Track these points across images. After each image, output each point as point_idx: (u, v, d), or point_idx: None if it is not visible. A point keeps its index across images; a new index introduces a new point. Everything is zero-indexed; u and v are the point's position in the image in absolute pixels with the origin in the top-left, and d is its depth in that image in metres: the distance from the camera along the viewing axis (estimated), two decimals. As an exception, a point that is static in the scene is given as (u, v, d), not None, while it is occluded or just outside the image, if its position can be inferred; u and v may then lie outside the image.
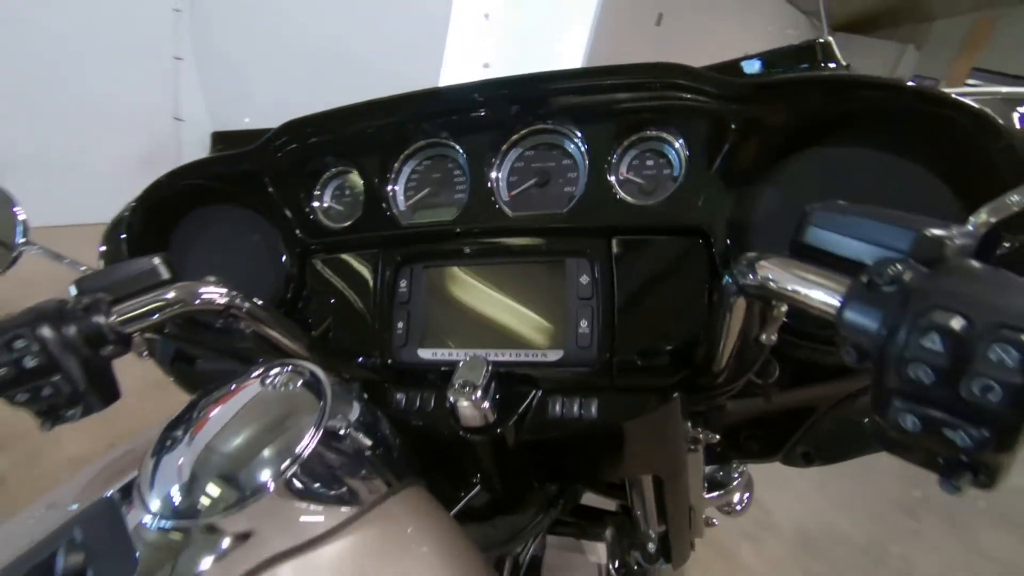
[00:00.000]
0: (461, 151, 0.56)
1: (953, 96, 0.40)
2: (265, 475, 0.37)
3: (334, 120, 0.58)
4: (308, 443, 0.39)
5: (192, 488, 0.37)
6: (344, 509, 0.41)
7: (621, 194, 0.50)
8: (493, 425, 0.49)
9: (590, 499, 0.78)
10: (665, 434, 0.51)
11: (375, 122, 0.57)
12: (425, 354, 0.55)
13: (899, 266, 0.27)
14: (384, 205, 0.57)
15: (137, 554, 0.36)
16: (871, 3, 5.48)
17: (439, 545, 0.45)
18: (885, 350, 0.26)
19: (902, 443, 0.27)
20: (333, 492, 0.41)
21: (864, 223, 0.30)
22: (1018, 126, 0.40)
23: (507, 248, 0.54)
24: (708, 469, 0.71)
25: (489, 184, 0.54)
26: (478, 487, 0.61)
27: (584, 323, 0.50)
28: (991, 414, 0.23)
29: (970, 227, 0.31)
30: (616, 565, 0.87)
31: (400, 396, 0.56)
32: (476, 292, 0.56)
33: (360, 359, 0.57)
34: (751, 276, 0.35)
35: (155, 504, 0.37)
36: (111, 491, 0.42)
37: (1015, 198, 0.32)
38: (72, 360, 0.44)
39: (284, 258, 0.61)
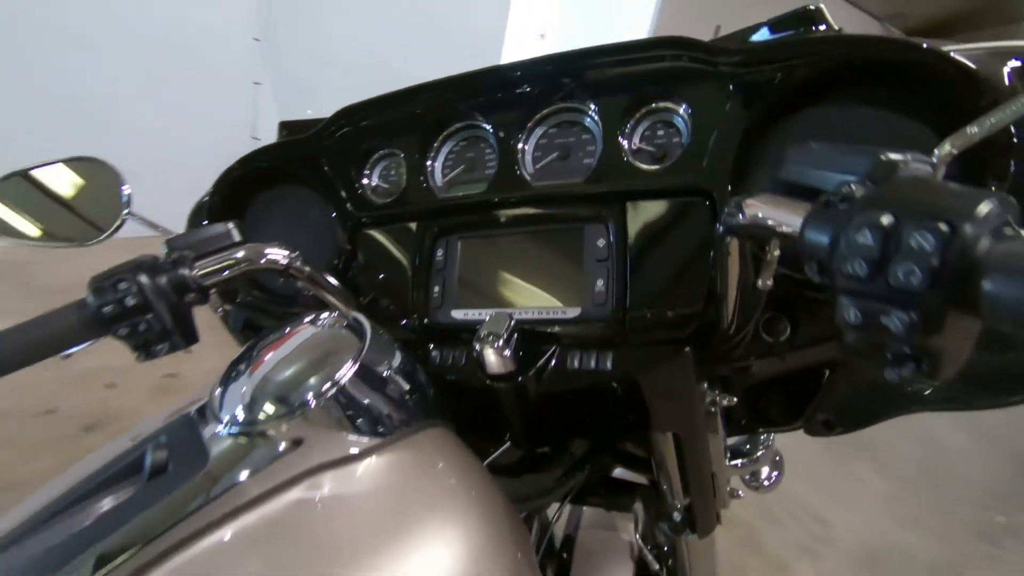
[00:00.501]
0: (491, 130, 0.62)
1: (940, 51, 0.42)
2: (309, 395, 0.44)
3: (381, 105, 0.66)
4: (346, 372, 0.45)
5: (252, 404, 0.44)
6: (378, 434, 0.47)
7: (633, 162, 0.55)
8: (515, 373, 0.53)
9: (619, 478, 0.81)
10: (679, 389, 0.54)
11: (416, 106, 0.65)
12: (458, 315, 0.61)
13: (853, 186, 0.30)
14: (423, 180, 0.64)
15: (209, 453, 0.44)
16: (949, 7, 5.21)
17: (468, 482, 0.50)
18: (833, 256, 0.29)
19: (856, 344, 0.29)
20: (368, 418, 0.47)
21: (831, 155, 0.33)
22: (1007, 81, 0.41)
23: (531, 217, 0.59)
24: (733, 441, 0.72)
25: (516, 157, 0.60)
26: (508, 444, 0.65)
27: (600, 282, 0.55)
28: (915, 297, 0.25)
29: (933, 158, 0.33)
30: (649, 546, 0.89)
31: (436, 353, 0.62)
32: (504, 258, 0.61)
33: (403, 321, 0.64)
34: (740, 216, 0.38)
35: (224, 417, 0.45)
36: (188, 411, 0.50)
37: (975, 129, 0.34)
38: (162, 304, 0.52)
39: (337, 231, 0.69)
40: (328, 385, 0.45)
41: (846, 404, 0.58)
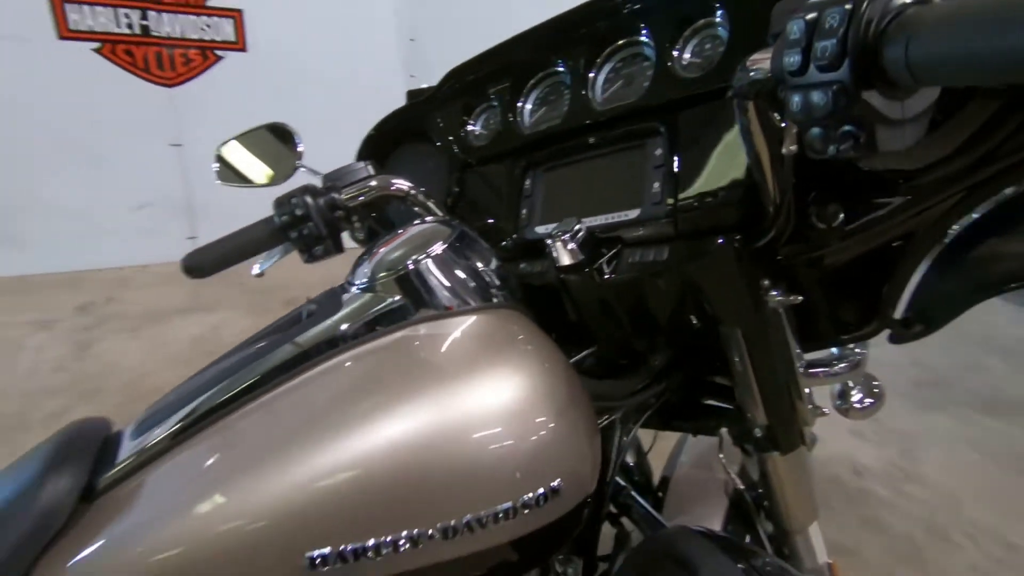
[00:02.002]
0: (566, 71, 0.73)
1: None
2: (408, 262, 0.58)
3: (478, 62, 0.80)
4: (437, 248, 0.59)
5: (372, 272, 0.60)
6: (465, 301, 0.60)
7: (684, 74, 0.61)
8: (582, 264, 0.62)
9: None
10: (732, 278, 0.59)
11: (504, 59, 0.78)
12: (540, 229, 0.72)
13: (812, 11, 0.35)
14: (514, 123, 0.77)
15: (342, 305, 0.60)
16: None
17: (544, 354, 0.59)
18: (782, 66, 0.35)
19: (811, 142, 0.34)
20: (456, 286, 0.60)
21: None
22: None
23: (601, 141, 0.68)
24: (817, 355, 0.72)
25: (587, 90, 0.70)
26: (590, 350, 0.74)
27: (656, 185, 0.62)
28: (833, 71, 0.31)
29: None
30: (744, 484, 0.89)
31: (524, 265, 0.73)
32: (578, 179, 0.71)
33: (501, 243, 0.76)
34: (745, 76, 0.44)
35: (354, 283, 0.61)
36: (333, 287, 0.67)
37: None
38: (319, 216, 0.71)
39: (447, 175, 0.84)
40: (423, 256, 0.59)
41: (919, 297, 0.57)
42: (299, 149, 0.84)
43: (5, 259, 3.88)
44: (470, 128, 0.83)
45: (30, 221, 3.91)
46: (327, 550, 0.45)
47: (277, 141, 0.84)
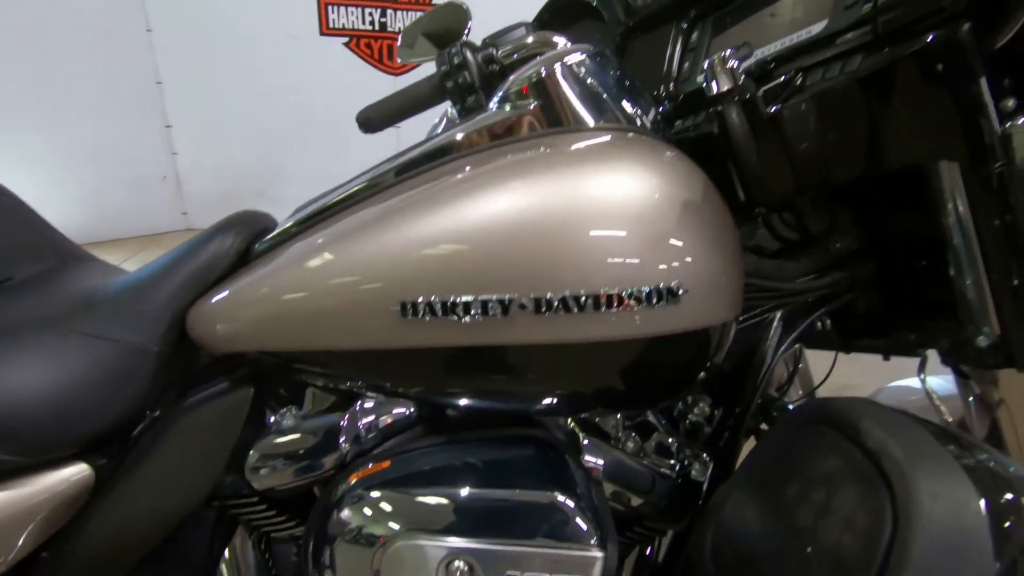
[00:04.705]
0: None
1: None
2: (543, 68, 0.56)
3: None
4: (573, 59, 0.57)
5: (509, 85, 0.59)
6: (605, 118, 0.55)
7: None
8: (743, 88, 0.53)
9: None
10: (952, 92, 0.44)
11: None
12: (700, 78, 0.63)
13: None
14: None
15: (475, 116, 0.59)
16: None
17: (689, 172, 0.52)
18: None
19: None
20: (595, 102, 0.55)
21: None
22: None
23: None
24: None
25: None
26: (753, 225, 0.63)
27: None
28: None
29: None
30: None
31: (679, 123, 0.66)
32: (753, 18, 0.61)
33: (660, 108, 0.70)
34: None
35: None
36: None
37: None
38: (474, 67, 0.72)
39: (612, 43, 0.80)
40: (559, 64, 0.55)
41: None
42: (468, 24, 0.86)
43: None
44: None
45: (284, 186, 4.82)
46: (419, 299, 0.44)
47: (451, 19, 0.88)
